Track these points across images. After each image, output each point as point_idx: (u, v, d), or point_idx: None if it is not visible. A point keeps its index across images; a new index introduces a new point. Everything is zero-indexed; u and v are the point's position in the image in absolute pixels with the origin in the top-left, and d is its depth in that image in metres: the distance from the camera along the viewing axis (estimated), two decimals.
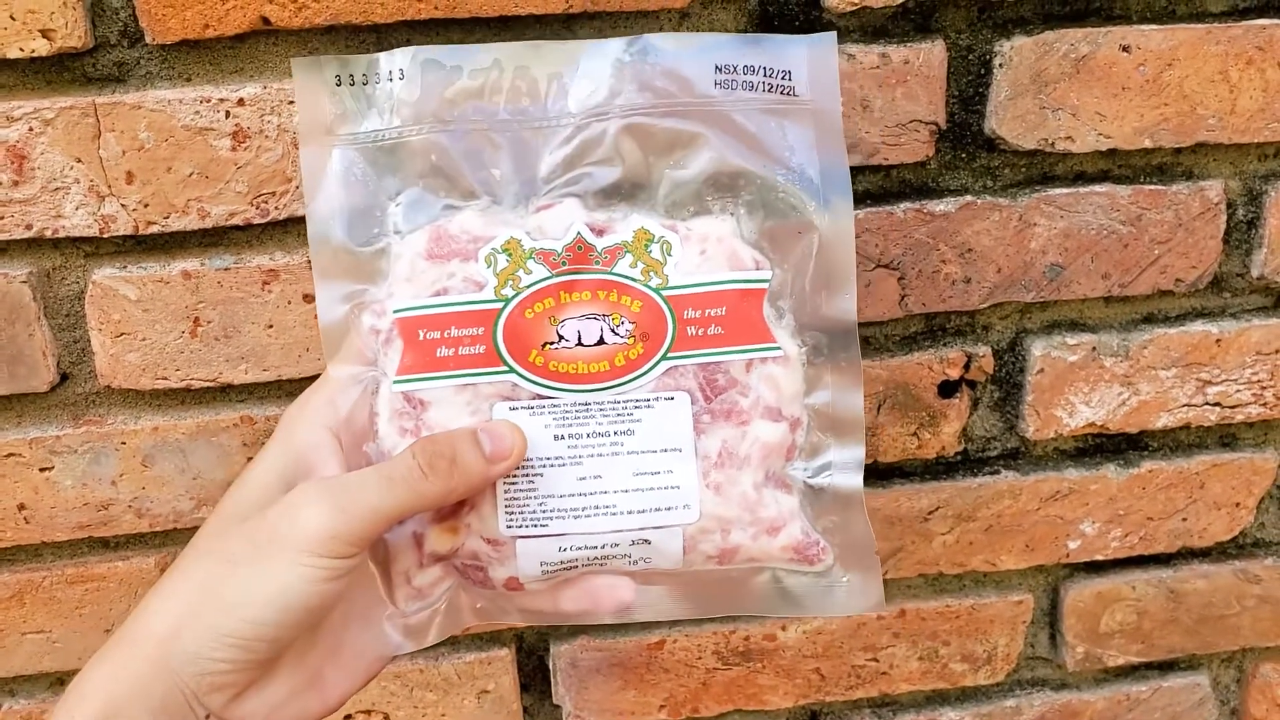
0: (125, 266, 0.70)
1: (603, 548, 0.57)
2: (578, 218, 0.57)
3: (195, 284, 0.70)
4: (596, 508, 0.56)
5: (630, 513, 0.57)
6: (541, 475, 0.56)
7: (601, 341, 0.57)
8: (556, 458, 0.56)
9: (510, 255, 0.57)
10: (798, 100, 0.58)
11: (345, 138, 0.58)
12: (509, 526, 0.56)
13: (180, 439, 0.73)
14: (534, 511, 0.56)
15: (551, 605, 0.60)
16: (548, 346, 0.56)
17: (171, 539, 0.77)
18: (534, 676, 0.84)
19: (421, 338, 0.56)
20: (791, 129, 0.58)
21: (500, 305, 0.56)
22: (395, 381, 0.56)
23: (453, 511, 0.56)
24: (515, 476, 0.56)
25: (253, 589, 0.49)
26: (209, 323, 0.71)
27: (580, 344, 0.57)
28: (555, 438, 0.56)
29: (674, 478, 0.57)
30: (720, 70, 0.57)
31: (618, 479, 0.56)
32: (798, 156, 0.58)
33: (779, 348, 0.58)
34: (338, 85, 0.57)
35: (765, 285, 0.58)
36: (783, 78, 0.58)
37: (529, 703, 0.85)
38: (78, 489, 0.74)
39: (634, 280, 0.57)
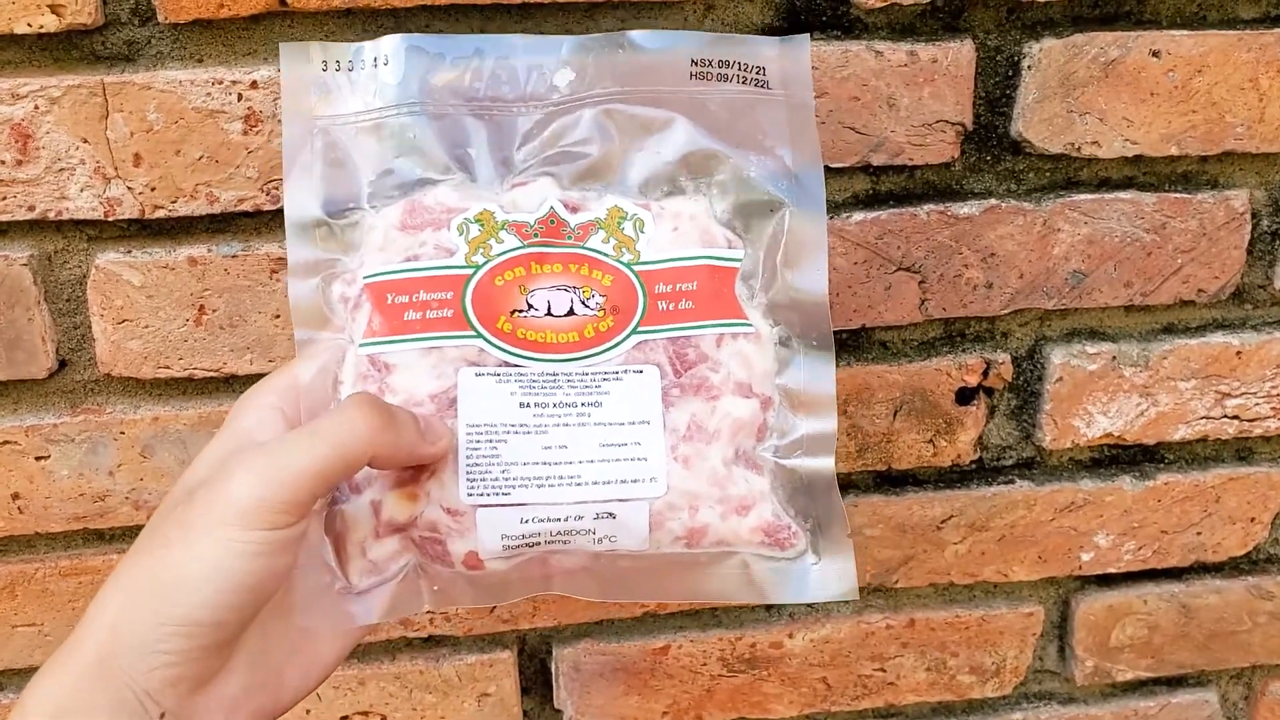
0: (130, 251, 0.68)
1: (566, 520, 0.56)
2: (552, 194, 0.59)
3: (201, 271, 0.68)
4: (561, 477, 0.55)
5: (595, 483, 0.56)
6: (505, 442, 0.55)
7: (571, 312, 0.57)
8: (521, 425, 0.55)
9: (483, 225, 0.57)
10: (770, 92, 0.59)
11: (327, 119, 0.58)
12: (470, 494, 0.55)
13: (181, 430, 0.72)
14: (496, 479, 0.55)
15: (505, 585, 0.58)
16: (516, 314, 0.57)
17: None
18: (535, 680, 0.82)
19: (390, 301, 0.56)
20: (764, 114, 0.59)
21: (470, 271, 0.57)
22: (361, 345, 0.56)
23: (412, 477, 0.55)
24: (478, 442, 0.55)
25: (187, 571, 0.46)
26: (214, 311, 0.69)
27: (550, 314, 0.57)
28: (521, 405, 0.56)
29: (641, 449, 0.56)
30: (695, 64, 0.59)
31: (583, 449, 0.56)
32: (769, 139, 0.59)
33: (750, 324, 0.58)
34: (323, 70, 0.58)
35: (737, 264, 0.59)
36: (757, 72, 0.59)
37: (530, 706, 0.83)
38: (74, 479, 0.72)
39: (606, 255, 0.58)
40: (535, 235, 0.57)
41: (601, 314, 0.57)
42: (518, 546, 0.56)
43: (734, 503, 0.57)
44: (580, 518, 0.56)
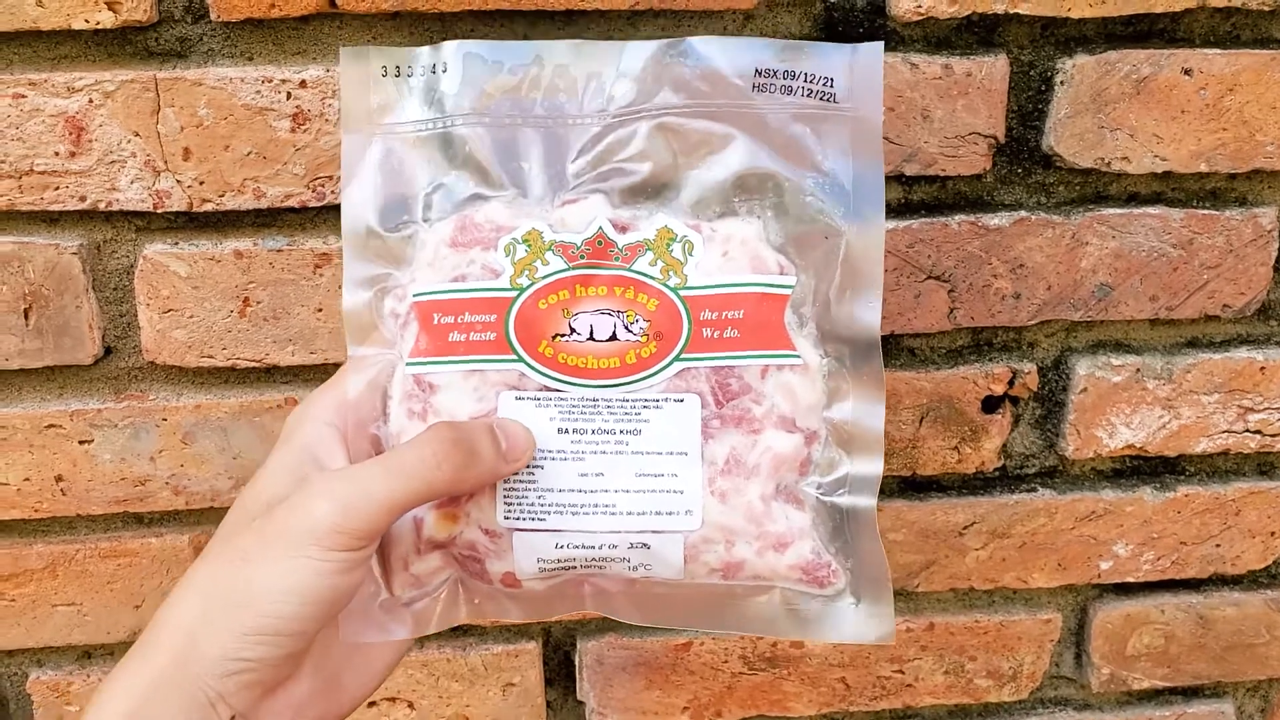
0: (177, 243, 0.70)
1: (600, 548, 0.56)
2: (601, 213, 0.57)
3: (247, 264, 0.70)
4: (596, 505, 0.55)
5: (630, 514, 0.55)
6: (542, 468, 0.55)
7: (614, 338, 0.56)
8: (559, 451, 0.55)
9: (530, 246, 0.57)
10: (837, 107, 0.57)
11: (386, 127, 0.58)
12: (506, 518, 0.55)
13: (222, 418, 0.73)
14: (532, 504, 0.55)
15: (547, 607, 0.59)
16: (558, 338, 0.56)
17: (207, 518, 0.77)
18: (559, 671, 0.84)
19: (436, 321, 0.56)
20: (827, 134, 0.57)
21: (515, 294, 0.56)
22: (408, 364, 0.56)
23: (453, 499, 0.56)
24: None
25: (270, 585, 0.49)
26: (259, 303, 0.71)
27: (592, 338, 0.56)
28: (559, 431, 0.55)
29: (678, 481, 0.55)
30: (760, 74, 0.56)
31: (620, 478, 0.55)
32: (830, 161, 0.57)
33: (798, 355, 0.57)
34: (383, 75, 0.57)
35: (788, 291, 0.57)
36: (824, 84, 0.56)
37: (553, 697, 0.84)
38: (116, 463, 0.74)
39: (652, 278, 0.56)
40: (582, 257, 0.56)
41: (645, 339, 0.56)
42: (554, 570, 0.57)
43: (771, 539, 0.56)
44: (615, 546, 0.56)
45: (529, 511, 0.55)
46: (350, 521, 0.49)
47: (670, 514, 0.55)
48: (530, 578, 0.57)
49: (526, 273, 0.56)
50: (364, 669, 0.57)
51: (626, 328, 0.56)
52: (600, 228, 0.57)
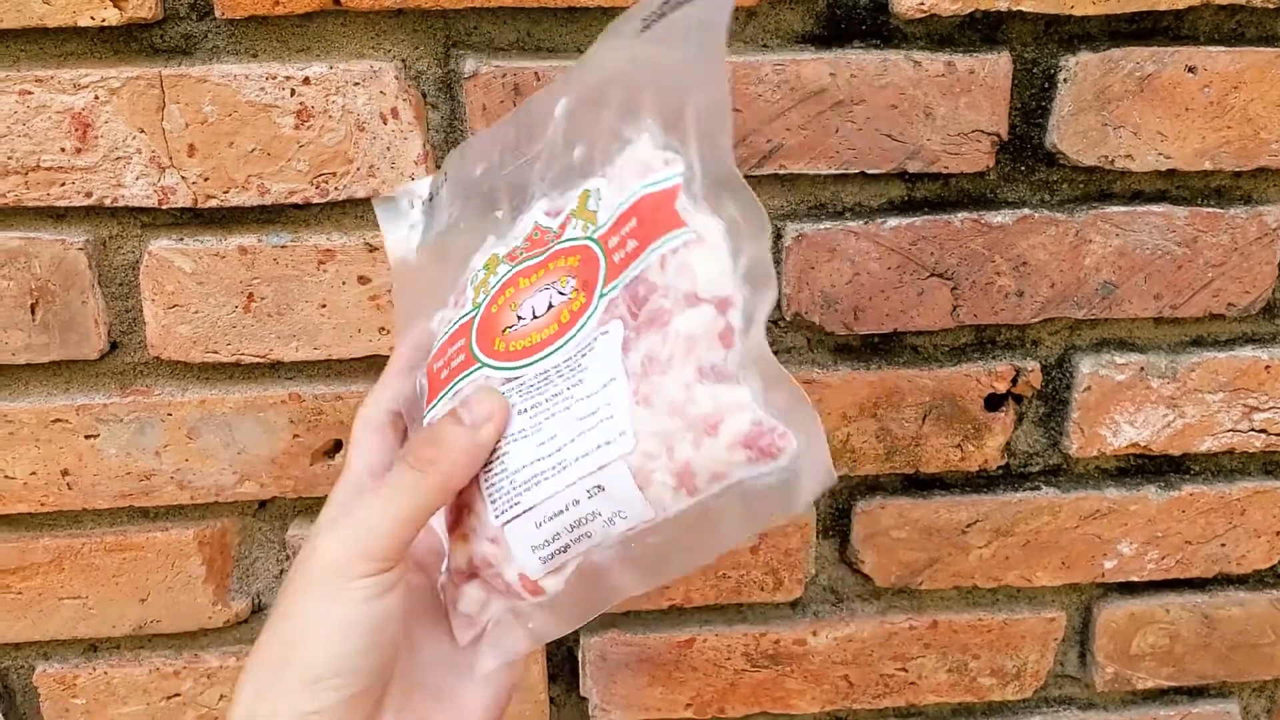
0: (182, 239, 0.70)
1: (568, 509, 0.53)
2: (539, 209, 0.59)
3: (251, 260, 0.70)
4: (551, 468, 0.53)
5: (576, 460, 0.52)
6: (509, 453, 0.54)
7: (551, 306, 0.55)
8: (521, 431, 0.54)
9: (487, 268, 0.58)
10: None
11: (420, 244, 0.62)
12: (496, 516, 0.54)
13: (227, 413, 0.74)
14: (507, 492, 0.54)
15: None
16: (507, 330, 0.56)
17: (212, 512, 0.77)
18: (562, 667, 0.84)
19: (434, 369, 0.58)
20: (684, 18, 0.53)
21: (474, 312, 0.57)
22: (425, 414, 0.57)
23: (456, 519, 0.55)
24: (490, 463, 0.54)
25: (311, 632, 0.49)
26: (263, 299, 0.71)
27: (534, 317, 0.56)
28: (519, 412, 0.54)
29: (610, 409, 0.52)
30: (644, 21, 0.55)
31: (566, 432, 0.53)
32: (684, 42, 0.53)
33: (688, 230, 0.52)
34: (410, 208, 0.62)
35: (677, 180, 0.53)
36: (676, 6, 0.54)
37: (556, 694, 0.85)
38: (121, 458, 0.74)
39: (576, 239, 0.56)
40: (522, 253, 0.58)
41: (575, 294, 0.55)
42: (551, 555, 0.55)
43: (701, 425, 0.51)
44: (577, 501, 0.53)
45: (508, 500, 0.54)
46: (369, 547, 0.49)
47: (608, 444, 0.52)
48: (540, 573, 0.56)
49: (482, 289, 0.58)
50: (454, 714, 0.56)
51: (560, 293, 0.55)
52: (535, 221, 0.58)
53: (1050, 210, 0.73)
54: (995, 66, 0.69)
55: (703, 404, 0.51)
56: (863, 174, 0.71)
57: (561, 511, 0.54)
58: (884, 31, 0.69)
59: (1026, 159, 0.72)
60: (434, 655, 0.56)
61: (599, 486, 0.53)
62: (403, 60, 0.68)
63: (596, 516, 0.54)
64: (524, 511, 0.54)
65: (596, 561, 0.58)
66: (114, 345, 0.73)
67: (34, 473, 0.74)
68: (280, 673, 0.49)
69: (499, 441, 0.54)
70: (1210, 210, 0.74)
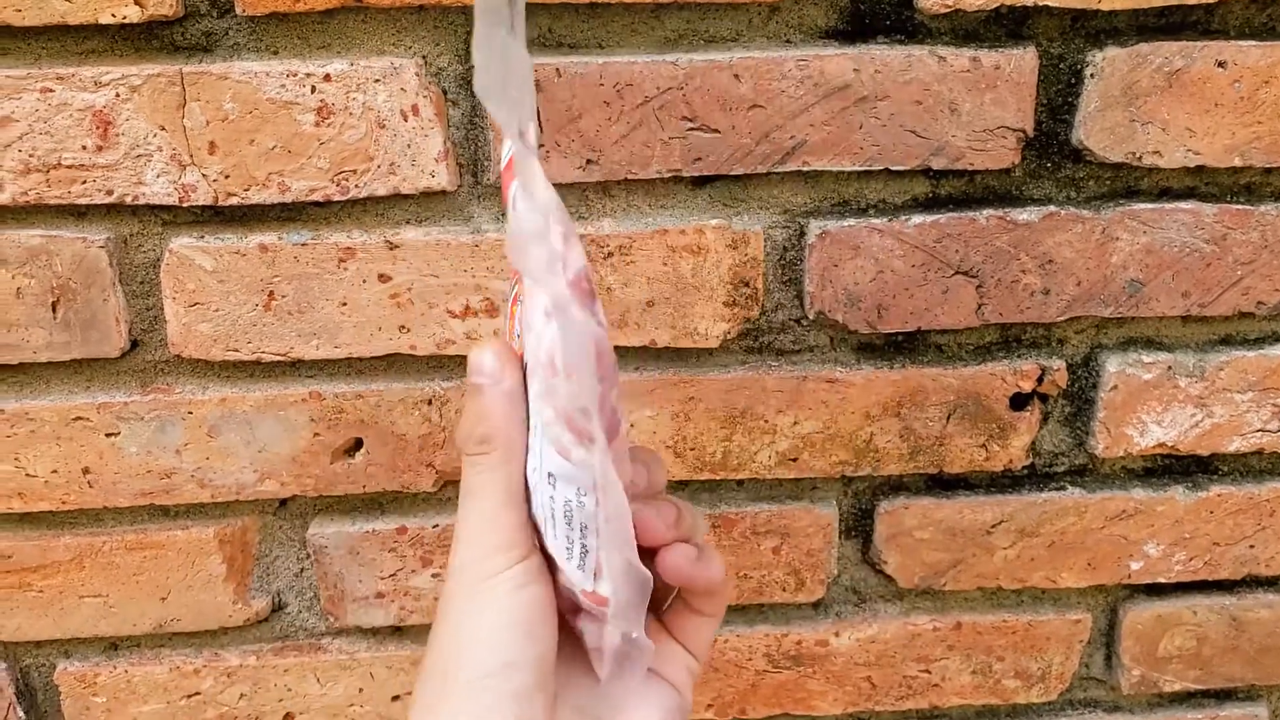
0: (202, 236, 0.70)
1: (553, 506, 0.51)
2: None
3: (272, 257, 0.70)
4: (534, 475, 0.52)
5: (539, 457, 0.52)
6: (529, 482, 0.54)
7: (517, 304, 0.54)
8: (529, 448, 0.53)
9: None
10: None
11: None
12: (545, 543, 0.53)
13: (247, 411, 0.73)
14: (538, 515, 0.53)
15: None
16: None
17: (232, 510, 0.77)
18: None
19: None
20: None
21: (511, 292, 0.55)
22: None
23: (550, 561, 0.54)
24: (528, 492, 0.53)
25: (478, 633, 0.50)
26: (283, 297, 0.71)
27: (518, 335, 0.53)
28: (530, 429, 0.53)
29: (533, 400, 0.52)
30: None
31: (534, 439, 0.52)
32: None
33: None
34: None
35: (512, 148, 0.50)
36: None
37: None
38: (142, 456, 0.74)
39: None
40: (515, 287, 0.54)
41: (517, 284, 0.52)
42: (581, 560, 0.53)
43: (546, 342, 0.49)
44: (552, 497, 0.52)
45: (540, 524, 0.53)
46: (488, 541, 0.51)
47: (534, 430, 0.52)
48: (589, 583, 0.54)
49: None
50: None
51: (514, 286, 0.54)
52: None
53: (1076, 207, 0.72)
54: (1021, 62, 0.69)
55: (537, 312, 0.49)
56: (887, 171, 0.71)
57: (554, 512, 0.52)
58: (908, 27, 0.68)
59: (1053, 155, 0.72)
60: (592, 694, 0.56)
61: (550, 474, 0.52)
62: (423, 57, 0.67)
63: (570, 503, 0.52)
64: (545, 526, 0.53)
65: (611, 553, 0.57)
66: (135, 343, 0.73)
67: (55, 471, 0.74)
68: (445, 680, 0.49)
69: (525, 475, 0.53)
70: (1240, 207, 0.73)
